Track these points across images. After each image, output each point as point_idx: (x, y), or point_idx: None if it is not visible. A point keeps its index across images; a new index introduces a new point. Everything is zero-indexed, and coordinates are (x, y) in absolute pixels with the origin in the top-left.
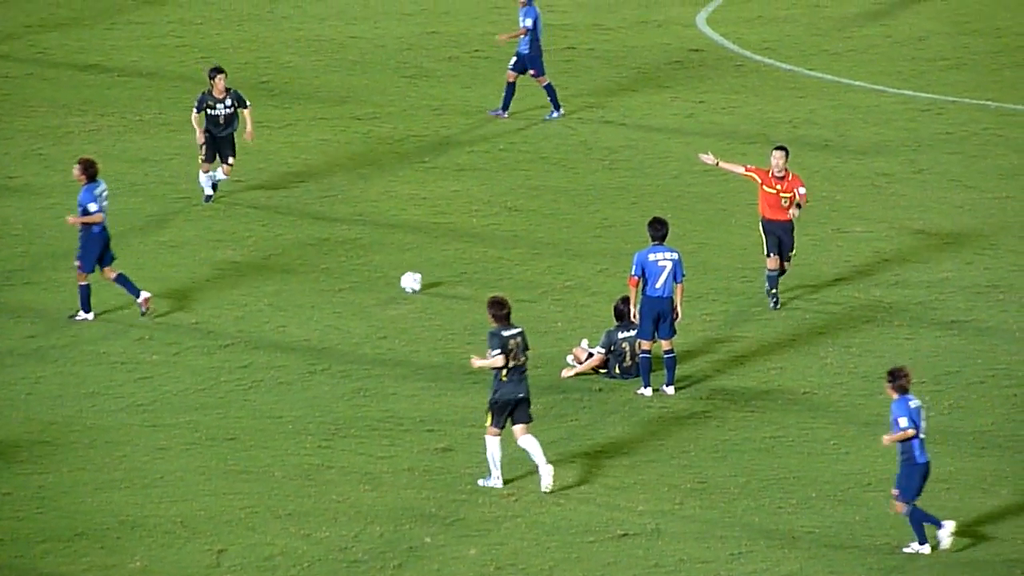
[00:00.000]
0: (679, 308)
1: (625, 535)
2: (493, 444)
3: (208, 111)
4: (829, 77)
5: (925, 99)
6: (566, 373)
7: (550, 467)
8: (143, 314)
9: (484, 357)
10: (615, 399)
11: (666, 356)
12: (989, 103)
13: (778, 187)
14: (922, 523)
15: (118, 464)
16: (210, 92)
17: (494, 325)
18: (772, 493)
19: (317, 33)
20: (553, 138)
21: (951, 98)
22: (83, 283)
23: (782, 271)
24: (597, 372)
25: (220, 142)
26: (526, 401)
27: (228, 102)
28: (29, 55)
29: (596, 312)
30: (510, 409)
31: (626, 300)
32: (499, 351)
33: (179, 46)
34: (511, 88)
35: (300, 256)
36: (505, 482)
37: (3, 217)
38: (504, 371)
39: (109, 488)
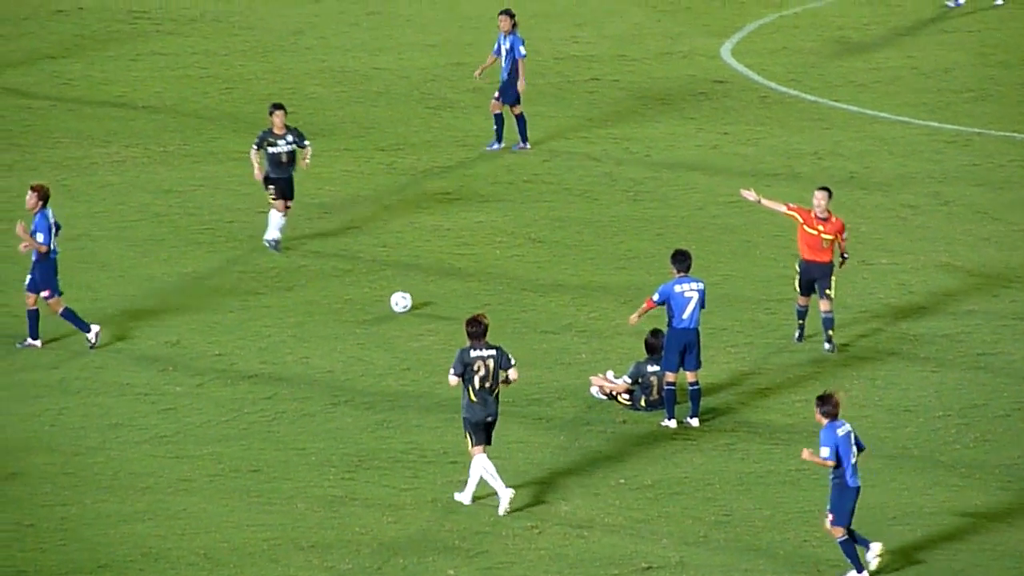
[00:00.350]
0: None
1: (649, 568)
2: (481, 461)
3: (268, 148)
4: (854, 108)
5: (951, 131)
6: (595, 391)
7: (510, 491)
8: (91, 347)
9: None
10: (639, 431)
11: (691, 388)
12: (1015, 135)
13: (820, 228)
14: (855, 552)
15: (141, 496)
16: (270, 130)
17: (468, 343)
18: (797, 526)
19: (341, 64)
20: (577, 169)
21: (977, 130)
22: (32, 307)
23: (828, 311)
24: (618, 400)
25: (283, 183)
26: (493, 424)
27: (289, 138)
28: (53, 86)
29: (620, 344)
30: (484, 427)
31: (656, 333)
32: (455, 372)
33: (203, 77)
34: (520, 119)
35: (323, 287)
36: (526, 511)
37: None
38: (471, 392)
39: (132, 520)
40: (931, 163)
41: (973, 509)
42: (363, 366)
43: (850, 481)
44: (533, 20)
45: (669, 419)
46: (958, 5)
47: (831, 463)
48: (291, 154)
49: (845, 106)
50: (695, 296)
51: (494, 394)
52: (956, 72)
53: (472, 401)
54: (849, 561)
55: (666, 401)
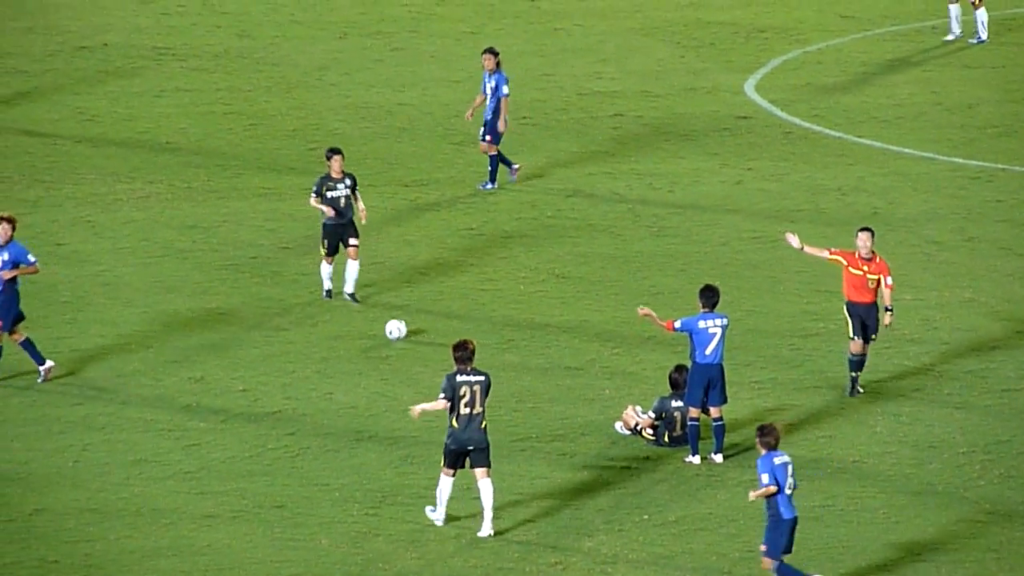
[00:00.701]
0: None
1: None
2: (444, 483)
3: (327, 193)
4: (878, 144)
5: (975, 167)
6: (619, 426)
7: (440, 519)
8: (42, 381)
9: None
10: (663, 467)
11: (715, 424)
12: None
13: (865, 268)
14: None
15: (165, 532)
16: (328, 175)
17: (455, 367)
18: (821, 562)
19: (365, 100)
20: (601, 205)
21: (1001, 166)
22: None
23: (863, 354)
24: (642, 435)
25: (341, 229)
26: (482, 451)
27: (347, 182)
28: (77, 123)
29: (643, 379)
30: (463, 457)
31: (680, 368)
32: (445, 396)
33: (227, 113)
34: (493, 159)
35: (348, 323)
36: (550, 548)
37: (51, 284)
38: (454, 417)
39: (156, 556)
40: (955, 199)
41: (998, 546)
42: (387, 401)
43: (784, 512)
44: (558, 56)
45: (693, 455)
46: (956, 38)
47: (774, 488)
48: (348, 199)
49: (869, 142)
50: (719, 332)
51: (476, 421)
52: (980, 108)
53: (454, 426)
54: None
55: (690, 437)
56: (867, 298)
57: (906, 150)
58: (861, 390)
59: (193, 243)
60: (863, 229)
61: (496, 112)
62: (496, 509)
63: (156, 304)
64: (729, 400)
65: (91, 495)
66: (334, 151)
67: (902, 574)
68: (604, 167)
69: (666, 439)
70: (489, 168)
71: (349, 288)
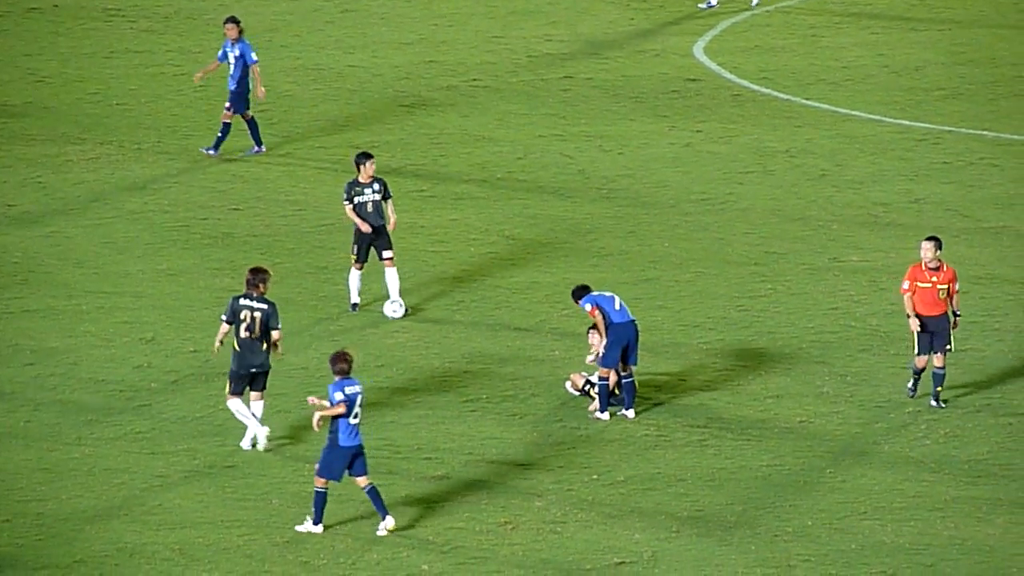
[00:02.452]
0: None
1: (622, 563)
2: (234, 404)
3: (355, 198)
4: (826, 107)
5: (922, 129)
6: (568, 385)
7: (265, 428)
8: None
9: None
10: (612, 428)
11: (625, 381)
12: (985, 133)
13: (933, 279)
14: (323, 506)
15: (117, 492)
16: (356, 179)
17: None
18: (768, 521)
19: (316, 62)
20: (551, 167)
21: (948, 128)
22: None
23: (942, 366)
24: (590, 395)
25: (372, 237)
26: (263, 375)
27: (376, 187)
28: (28, 84)
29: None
30: (247, 380)
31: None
32: (226, 319)
33: (177, 75)
34: (252, 124)
35: (298, 284)
36: (500, 508)
37: (2, 245)
38: (236, 341)
39: (108, 516)
40: (902, 161)
41: (943, 504)
42: None
43: (342, 439)
44: (508, 18)
45: (602, 412)
46: (710, 7)
47: (341, 408)
48: (377, 205)
49: (817, 104)
50: (614, 295)
51: (257, 345)
52: (927, 70)
53: (237, 350)
54: (314, 511)
55: (600, 393)
56: (937, 310)
57: (854, 112)
58: (944, 404)
59: (144, 204)
60: (928, 239)
61: (241, 81)
62: (446, 468)
63: (107, 265)
64: (677, 360)
65: (42, 455)
66: (366, 156)
67: (849, 533)
68: (554, 129)
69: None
70: (250, 133)
71: (394, 297)
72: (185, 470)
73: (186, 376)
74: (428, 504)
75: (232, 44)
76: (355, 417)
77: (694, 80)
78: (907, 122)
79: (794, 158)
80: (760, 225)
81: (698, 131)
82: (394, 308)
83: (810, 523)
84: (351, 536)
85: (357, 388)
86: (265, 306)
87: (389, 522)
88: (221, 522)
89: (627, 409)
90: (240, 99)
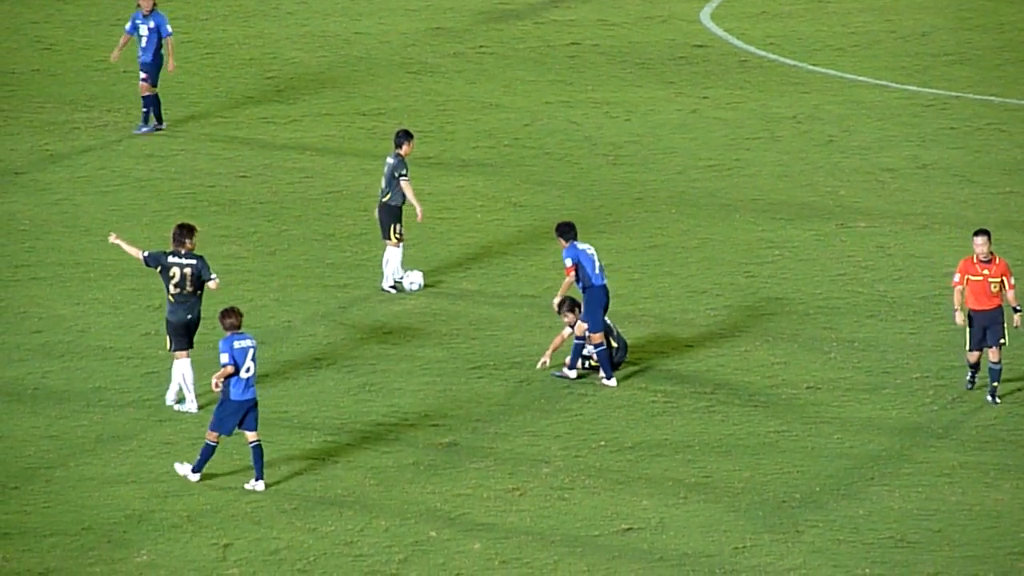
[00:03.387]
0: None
1: (629, 529)
2: (182, 366)
3: (401, 180)
4: (833, 72)
5: (929, 94)
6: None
7: (262, 483)
8: None
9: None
10: (619, 394)
11: (576, 342)
12: (993, 98)
13: (985, 272)
14: (208, 458)
15: (125, 458)
16: (403, 159)
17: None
18: (776, 487)
19: (322, 29)
20: (557, 134)
21: (955, 93)
22: None
23: (997, 361)
24: (590, 361)
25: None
26: (192, 326)
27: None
28: (35, 51)
29: None
30: (184, 329)
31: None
32: (148, 260)
33: (184, 42)
34: (155, 100)
35: (305, 252)
36: (508, 474)
37: (9, 212)
38: (168, 295)
39: (116, 482)
40: (909, 127)
41: (950, 470)
42: (345, 330)
43: (234, 394)
44: None
45: (608, 378)
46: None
47: (231, 369)
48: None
49: (824, 70)
50: (595, 253)
51: (193, 298)
52: (934, 36)
53: (171, 302)
54: (199, 459)
55: (601, 360)
56: (990, 304)
57: (861, 78)
58: (999, 401)
59: (151, 171)
60: (979, 232)
61: (156, 54)
62: (454, 435)
63: (114, 232)
64: (684, 327)
65: (50, 422)
66: (408, 135)
67: (856, 498)
68: (561, 96)
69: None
70: (143, 109)
71: (388, 282)
72: (193, 437)
73: (194, 343)
74: (436, 471)
75: (145, 16)
76: (247, 371)
77: (701, 46)
78: (914, 87)
79: (801, 124)
80: (767, 191)
81: (705, 97)
82: (411, 281)
83: (818, 489)
84: (358, 503)
85: (248, 343)
86: (194, 261)
87: (260, 485)
88: (229, 489)
89: (570, 369)
90: (156, 71)
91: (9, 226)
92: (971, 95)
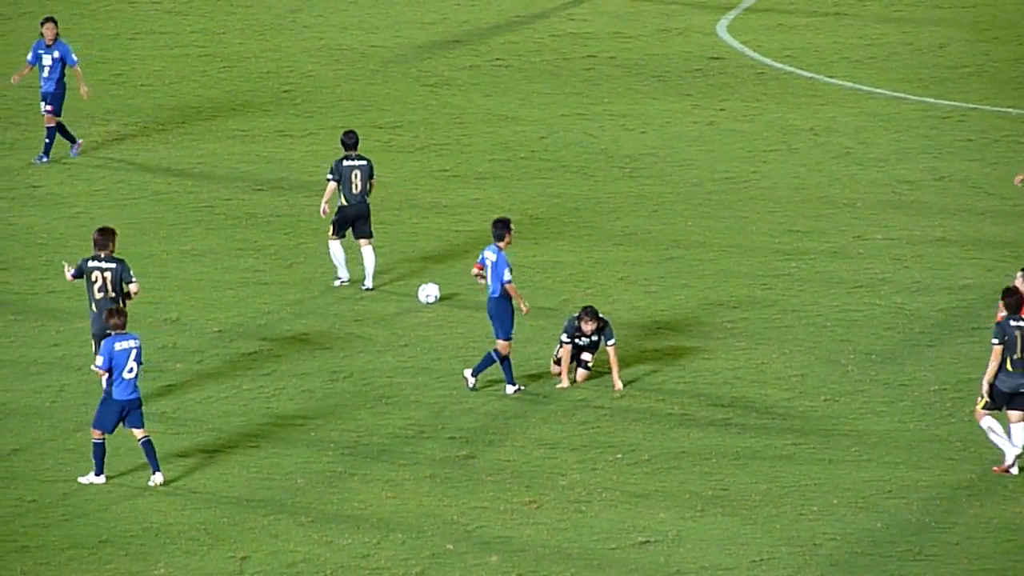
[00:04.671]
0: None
1: (647, 542)
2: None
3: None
4: (850, 84)
5: (946, 106)
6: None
7: (160, 475)
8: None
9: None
10: (636, 406)
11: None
12: (1010, 110)
13: None
14: (102, 457)
15: (142, 472)
16: (344, 158)
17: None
18: (793, 500)
19: (339, 42)
20: (574, 146)
21: (972, 105)
22: None
23: None
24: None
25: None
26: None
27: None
28: None
29: (616, 320)
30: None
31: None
32: (73, 275)
33: (202, 56)
34: (53, 131)
35: (322, 265)
36: (524, 487)
37: (28, 226)
38: (91, 303)
39: (133, 495)
40: (926, 139)
41: (968, 483)
42: (362, 343)
43: (115, 393)
44: None
45: (510, 383)
46: None
47: (103, 372)
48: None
49: (841, 82)
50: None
51: (107, 304)
52: (951, 48)
53: (94, 311)
54: (94, 463)
55: (484, 365)
56: None
57: (877, 90)
58: None
59: (168, 185)
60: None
61: (59, 83)
62: (471, 448)
63: (131, 246)
64: (699, 338)
65: (68, 435)
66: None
67: (874, 511)
68: (577, 108)
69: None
70: (46, 140)
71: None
72: (210, 450)
73: (211, 356)
74: (452, 484)
75: (48, 46)
76: (130, 372)
77: (717, 58)
78: (931, 99)
79: (818, 136)
80: (784, 203)
81: (721, 109)
82: (427, 293)
83: (835, 501)
84: (376, 516)
85: (130, 344)
86: (114, 264)
87: (159, 478)
88: (246, 501)
89: (472, 375)
90: (59, 101)
91: (27, 239)
92: (988, 107)
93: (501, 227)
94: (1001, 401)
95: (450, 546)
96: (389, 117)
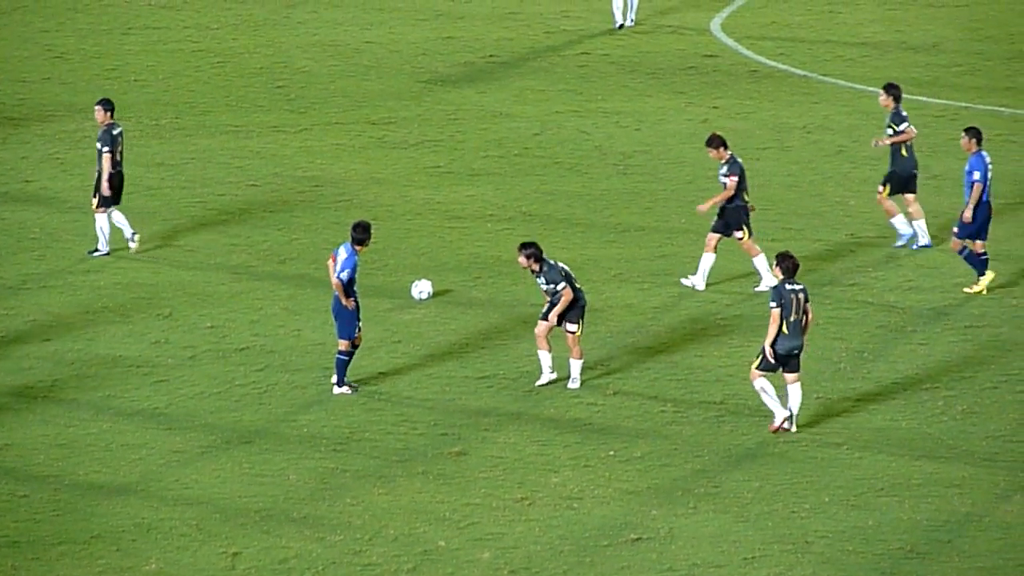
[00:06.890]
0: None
1: (639, 539)
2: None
3: None
4: (843, 83)
5: (939, 105)
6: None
7: None
8: None
9: None
10: (628, 404)
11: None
12: (1002, 109)
13: None
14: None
15: (134, 467)
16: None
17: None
18: (785, 498)
19: (332, 38)
20: (567, 143)
21: (964, 104)
22: None
23: None
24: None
25: None
26: None
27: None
28: (46, 60)
29: (610, 316)
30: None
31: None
32: None
33: (195, 51)
34: None
35: (315, 261)
36: (517, 484)
37: (20, 221)
38: None
39: (125, 491)
40: (919, 137)
41: (960, 481)
42: None
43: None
44: None
45: (340, 385)
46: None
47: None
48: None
49: (834, 80)
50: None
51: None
52: (944, 46)
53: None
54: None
55: (338, 368)
56: None
57: (871, 89)
58: None
59: (161, 180)
60: None
61: None
62: (463, 444)
63: (124, 241)
64: (694, 337)
65: (60, 430)
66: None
67: (866, 509)
68: (571, 105)
69: None
70: None
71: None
72: (202, 446)
73: (203, 352)
74: (445, 480)
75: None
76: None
77: (711, 56)
78: (924, 98)
79: (811, 134)
80: (777, 201)
81: (715, 107)
82: (420, 290)
83: (827, 499)
84: (368, 512)
85: None
86: None
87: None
88: (238, 497)
89: (339, 386)
90: None
91: (20, 234)
92: (981, 106)
93: (362, 231)
94: (777, 363)
95: (442, 542)
96: (383, 113)
